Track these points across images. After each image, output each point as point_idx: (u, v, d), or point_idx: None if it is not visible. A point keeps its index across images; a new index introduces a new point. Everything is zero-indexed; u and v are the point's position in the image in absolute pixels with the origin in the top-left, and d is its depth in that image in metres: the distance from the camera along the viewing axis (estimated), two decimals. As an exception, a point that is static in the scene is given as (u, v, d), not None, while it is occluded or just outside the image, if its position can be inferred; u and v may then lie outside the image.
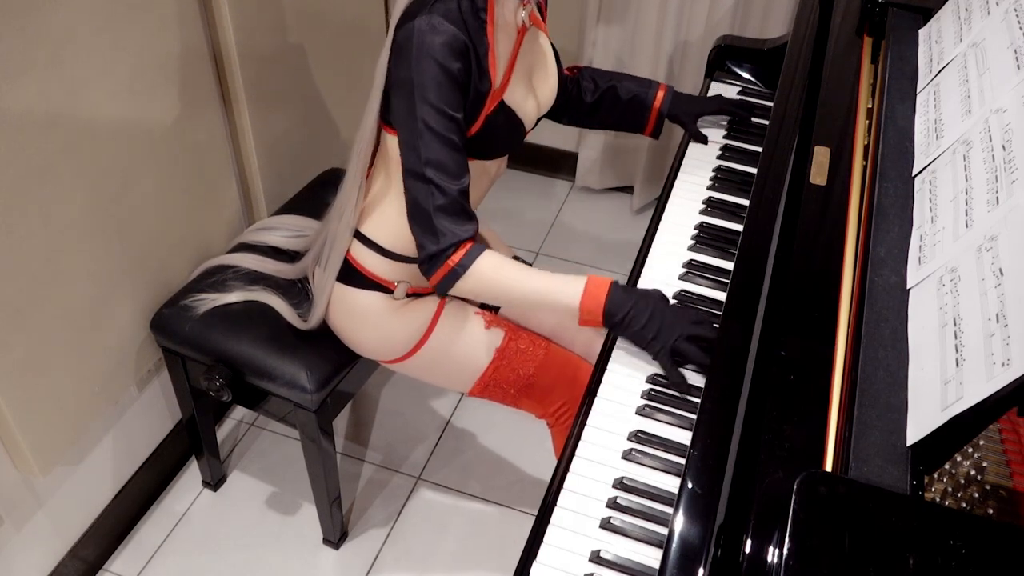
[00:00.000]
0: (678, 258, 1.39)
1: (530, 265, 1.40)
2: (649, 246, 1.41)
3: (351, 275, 1.44)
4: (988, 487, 0.94)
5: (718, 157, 1.60)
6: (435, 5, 1.20)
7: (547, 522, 1.05)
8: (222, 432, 2.07)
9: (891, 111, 1.32)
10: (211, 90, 1.67)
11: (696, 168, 1.58)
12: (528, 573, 1.00)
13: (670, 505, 1.05)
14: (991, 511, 0.92)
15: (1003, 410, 0.83)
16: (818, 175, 1.31)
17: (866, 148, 1.35)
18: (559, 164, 2.79)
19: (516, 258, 1.64)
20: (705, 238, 1.42)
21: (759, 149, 1.55)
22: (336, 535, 1.85)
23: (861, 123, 1.40)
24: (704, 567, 0.91)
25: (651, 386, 1.20)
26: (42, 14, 1.27)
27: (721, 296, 1.32)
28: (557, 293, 1.27)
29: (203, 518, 1.91)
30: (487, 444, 2.07)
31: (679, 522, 0.96)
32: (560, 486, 1.08)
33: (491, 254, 1.28)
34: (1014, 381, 0.80)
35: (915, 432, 0.89)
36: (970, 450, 0.97)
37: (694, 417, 1.10)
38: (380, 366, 1.65)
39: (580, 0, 2.39)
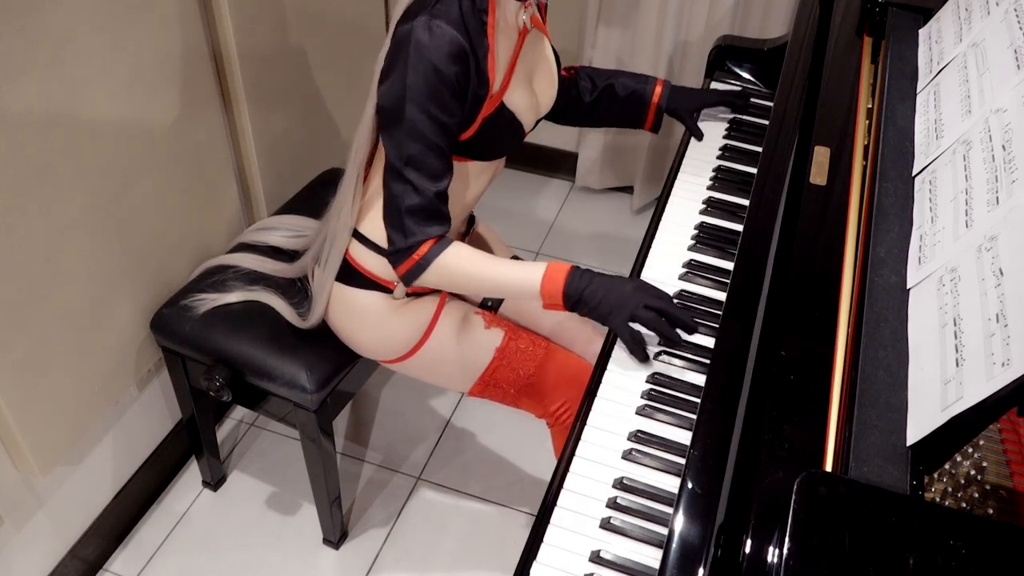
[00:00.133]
0: (678, 258, 1.39)
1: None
2: (649, 246, 1.41)
3: (351, 275, 1.44)
4: (988, 487, 0.94)
5: (718, 157, 1.60)
6: (436, 6, 1.20)
7: (547, 522, 1.05)
8: (222, 432, 2.07)
9: (891, 111, 1.32)
10: (211, 90, 1.67)
11: (696, 168, 1.58)
12: (528, 573, 1.00)
13: (670, 505, 1.05)
14: (991, 511, 0.92)
15: (1003, 410, 0.83)
16: (818, 175, 1.31)
17: (866, 148, 1.35)
18: (559, 164, 2.79)
19: (515, 257, 1.64)
20: (705, 238, 1.42)
21: (759, 149, 1.55)
22: (336, 535, 1.85)
23: (861, 123, 1.40)
24: (704, 567, 0.91)
25: (651, 386, 1.20)
26: (42, 14, 1.27)
27: (721, 296, 1.32)
28: (519, 280, 1.30)
29: (203, 518, 1.91)
30: (487, 444, 2.07)
31: (679, 522, 0.96)
32: (560, 486, 1.08)
33: (456, 246, 1.31)
34: (1014, 381, 0.80)
35: (915, 432, 0.89)
36: (970, 450, 0.97)
37: (694, 417, 1.10)
38: (380, 366, 1.65)
39: (580, 0, 2.39)
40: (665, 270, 1.37)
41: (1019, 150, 1.01)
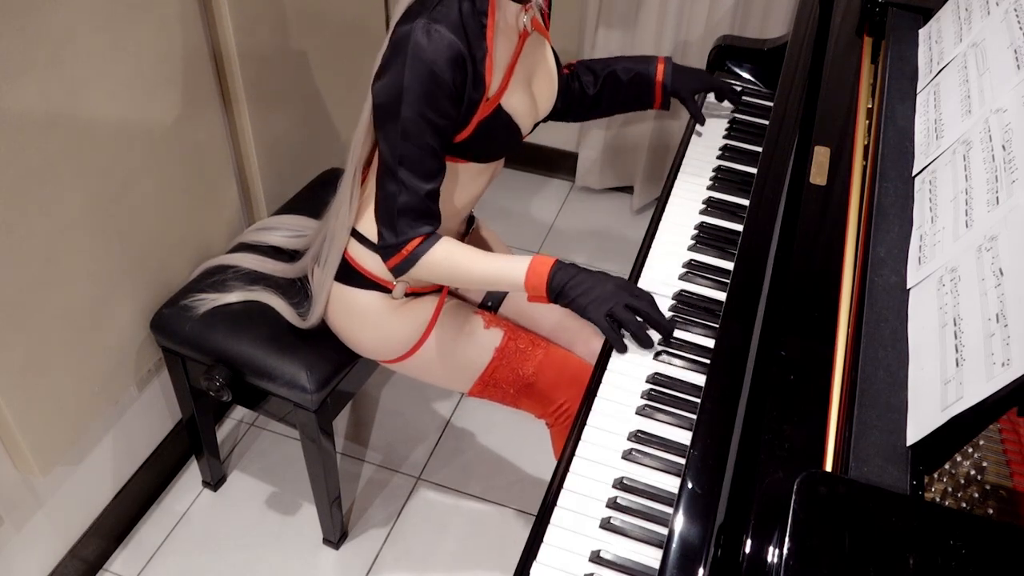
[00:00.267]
0: (678, 258, 1.39)
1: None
2: (649, 246, 1.41)
3: (350, 275, 1.44)
4: (988, 487, 0.94)
5: (718, 157, 1.60)
6: (436, 9, 1.20)
7: (547, 522, 1.05)
8: (222, 432, 2.06)
9: (891, 111, 1.32)
10: (211, 90, 1.67)
11: (696, 168, 1.57)
12: (528, 573, 1.00)
13: (670, 505, 1.05)
14: (991, 511, 0.92)
15: (1003, 410, 0.83)
16: (818, 175, 1.31)
17: (866, 148, 1.35)
18: (559, 164, 2.79)
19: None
20: (705, 238, 1.42)
21: (759, 149, 1.55)
22: (336, 535, 1.85)
23: (861, 123, 1.40)
24: (704, 567, 0.91)
25: (651, 386, 1.20)
26: (42, 14, 1.27)
27: (721, 296, 1.32)
28: (505, 273, 1.32)
29: (203, 518, 1.91)
30: (487, 444, 2.07)
31: (679, 522, 0.96)
32: (560, 486, 1.08)
33: (445, 241, 1.33)
34: (1014, 381, 0.80)
35: (915, 432, 0.89)
36: (970, 450, 0.97)
37: (694, 417, 1.10)
38: (380, 366, 1.65)
39: (580, 1, 2.39)
40: (665, 270, 1.37)
41: (1019, 150, 1.01)
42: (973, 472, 0.95)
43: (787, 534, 0.78)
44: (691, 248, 1.41)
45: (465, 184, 1.42)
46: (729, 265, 1.35)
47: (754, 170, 1.50)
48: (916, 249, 1.09)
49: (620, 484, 1.08)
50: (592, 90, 1.60)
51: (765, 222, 1.27)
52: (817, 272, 1.15)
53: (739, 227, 1.42)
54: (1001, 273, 0.90)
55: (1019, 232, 0.92)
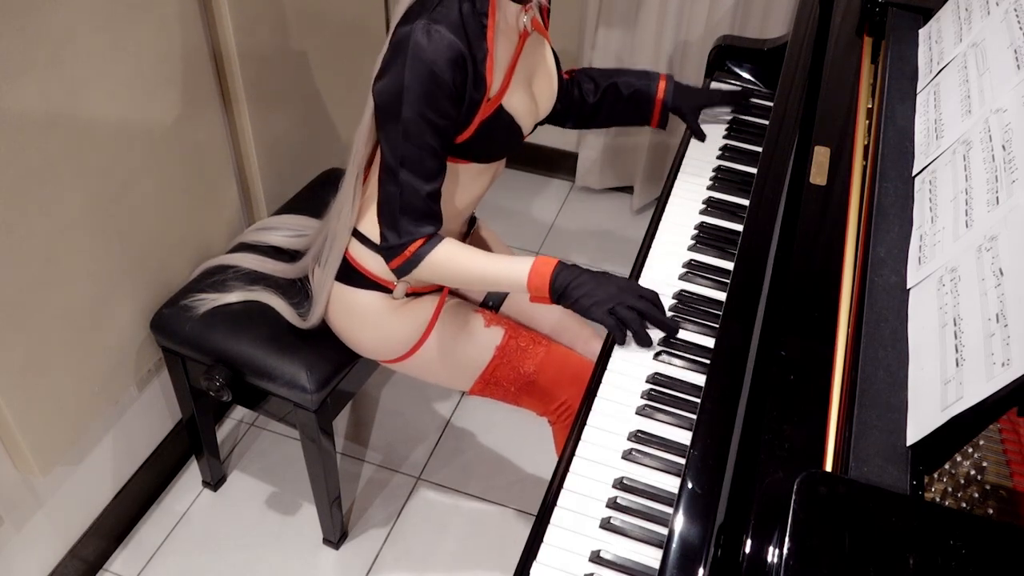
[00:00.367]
0: (678, 258, 1.39)
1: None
2: (649, 246, 1.41)
3: (350, 275, 1.44)
4: (988, 487, 0.94)
5: (718, 157, 1.60)
6: (436, 10, 1.20)
7: (547, 522, 1.05)
8: (222, 432, 2.06)
9: (891, 111, 1.32)
10: (211, 90, 1.67)
11: (696, 168, 1.57)
12: (528, 573, 1.00)
13: (670, 505, 1.05)
14: (991, 511, 0.92)
15: (1003, 410, 0.83)
16: (818, 175, 1.31)
17: (866, 148, 1.35)
18: (559, 164, 2.79)
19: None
20: (705, 238, 1.42)
21: (759, 149, 1.55)
22: (336, 535, 1.85)
23: (861, 123, 1.40)
24: (704, 567, 0.91)
25: (651, 386, 1.20)
26: (42, 14, 1.27)
27: (721, 296, 1.32)
28: (507, 273, 1.33)
29: (203, 518, 1.91)
30: (487, 444, 2.07)
31: (679, 522, 0.96)
32: (560, 486, 1.08)
33: (447, 243, 1.33)
34: (1014, 381, 0.80)
35: (915, 432, 0.89)
36: (970, 450, 0.97)
37: (694, 417, 1.10)
38: (380, 366, 1.65)
39: (580, 1, 2.39)
40: (665, 270, 1.37)
41: (1019, 150, 1.01)
42: (973, 472, 0.95)
43: (787, 534, 0.78)
44: (691, 248, 1.41)
45: (466, 185, 1.42)
46: (729, 265, 1.35)
47: (754, 170, 1.50)
48: (916, 249, 1.09)
49: (620, 484, 1.08)
50: (592, 99, 1.59)
51: (765, 222, 1.27)
52: (817, 272, 1.15)
53: (739, 227, 1.42)
54: (1001, 273, 0.90)
55: (1019, 232, 0.92)
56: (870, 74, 1.50)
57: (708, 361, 1.17)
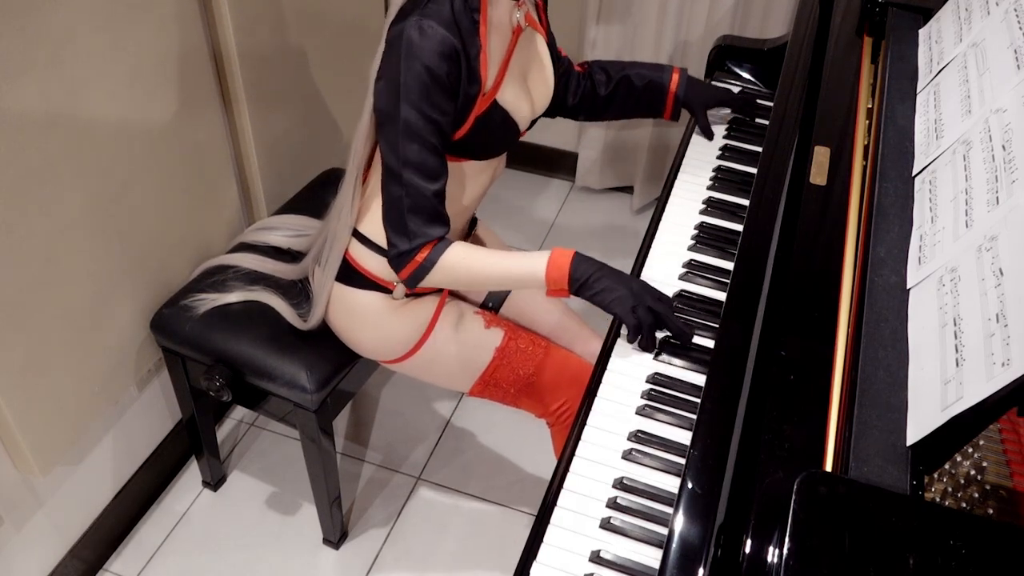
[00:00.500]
0: (678, 258, 1.39)
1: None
2: (649, 246, 1.41)
3: (351, 275, 1.44)
4: (988, 487, 0.94)
5: (718, 157, 1.60)
6: (428, 6, 1.20)
7: (547, 522, 1.05)
8: (222, 432, 2.06)
9: (891, 111, 1.32)
10: (211, 90, 1.67)
11: (696, 168, 1.58)
12: (528, 573, 1.00)
13: (670, 505, 1.05)
14: (991, 511, 0.92)
15: (1003, 410, 0.83)
16: (818, 175, 1.31)
17: (866, 148, 1.35)
18: (559, 164, 2.79)
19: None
20: (705, 238, 1.42)
21: (759, 149, 1.55)
22: (336, 535, 1.85)
23: (861, 123, 1.40)
24: (704, 567, 0.91)
25: (651, 386, 1.20)
26: (42, 14, 1.27)
27: (721, 296, 1.32)
28: (524, 270, 1.31)
29: (203, 518, 1.91)
30: (487, 444, 2.07)
31: (679, 522, 0.96)
32: (560, 486, 1.08)
33: (458, 245, 1.31)
34: (1014, 381, 0.80)
35: (915, 432, 0.89)
36: (970, 450, 0.97)
37: (694, 417, 1.10)
38: (380, 366, 1.65)
39: (580, 0, 2.39)
40: (665, 270, 1.37)
41: (1019, 150, 1.01)
42: (973, 472, 0.95)
43: (787, 534, 0.78)
44: (691, 248, 1.41)
45: (467, 184, 1.42)
46: (729, 265, 1.35)
47: (754, 170, 1.50)
48: (916, 249, 1.09)
49: (620, 484, 1.08)
50: (604, 91, 1.59)
51: (765, 222, 1.27)
52: (817, 272, 1.15)
53: (739, 227, 1.42)
54: (1001, 273, 0.90)
55: (1019, 232, 0.92)
56: (870, 74, 1.50)
57: (708, 361, 1.17)
